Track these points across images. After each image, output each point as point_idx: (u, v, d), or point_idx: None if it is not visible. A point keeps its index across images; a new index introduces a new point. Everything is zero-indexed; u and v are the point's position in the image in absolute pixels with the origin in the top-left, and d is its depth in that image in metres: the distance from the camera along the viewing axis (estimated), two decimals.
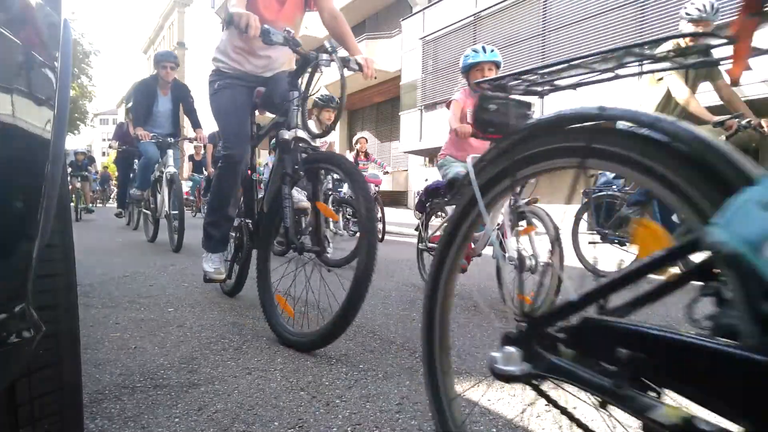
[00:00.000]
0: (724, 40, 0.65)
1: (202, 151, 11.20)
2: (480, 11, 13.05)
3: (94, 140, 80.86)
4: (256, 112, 2.74)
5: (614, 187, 4.27)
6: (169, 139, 5.46)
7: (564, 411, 0.82)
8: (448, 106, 3.14)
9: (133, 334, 2.05)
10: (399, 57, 16.60)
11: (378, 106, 19.78)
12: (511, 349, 0.79)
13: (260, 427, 1.27)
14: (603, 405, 0.70)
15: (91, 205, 12.10)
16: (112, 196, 24.27)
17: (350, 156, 9.44)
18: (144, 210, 6.26)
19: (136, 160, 6.66)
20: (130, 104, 6.80)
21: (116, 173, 10.28)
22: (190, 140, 5.89)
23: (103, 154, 74.11)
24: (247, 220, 2.71)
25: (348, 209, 6.72)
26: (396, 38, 17.24)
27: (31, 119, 0.70)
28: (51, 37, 0.80)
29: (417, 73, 15.27)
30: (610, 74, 0.77)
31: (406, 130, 15.65)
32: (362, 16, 20.67)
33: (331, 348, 1.94)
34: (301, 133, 2.15)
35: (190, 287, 3.11)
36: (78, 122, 29.62)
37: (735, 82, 0.67)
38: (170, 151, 5.42)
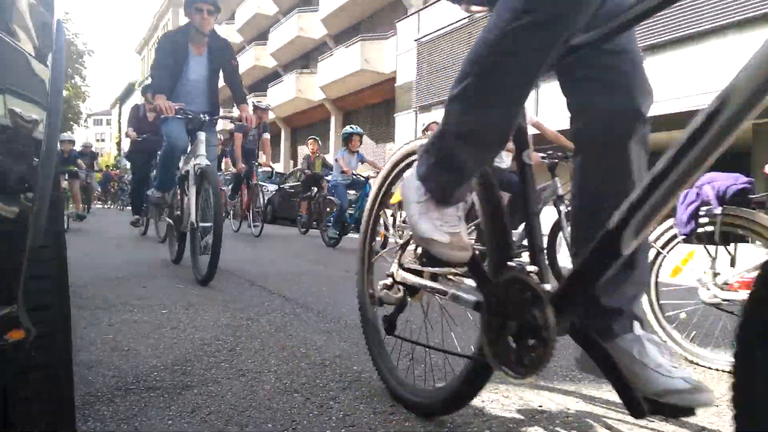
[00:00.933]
0: None
1: (222, 146, 8.90)
2: (475, 12, 13.09)
3: (87, 140, 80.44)
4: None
5: None
6: (202, 116, 3.78)
7: None
8: None
9: (126, 336, 2.04)
10: (394, 58, 16.62)
11: (372, 108, 19.80)
12: None
13: (254, 429, 1.26)
14: None
15: (83, 210, 9.74)
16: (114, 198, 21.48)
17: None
18: (168, 219, 4.52)
19: (160, 152, 4.63)
20: (148, 79, 5.43)
21: (111, 167, 9.33)
22: (233, 120, 4.30)
23: (98, 154, 73.55)
24: (530, 268, 1.10)
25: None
26: (391, 40, 17.26)
27: (23, 119, 0.70)
28: (44, 37, 0.80)
29: (412, 74, 15.30)
30: None
31: (401, 132, 15.67)
32: (357, 18, 20.69)
33: (324, 350, 1.94)
34: None
35: (184, 289, 3.10)
36: (71, 122, 29.57)
37: None
38: (202, 135, 3.70)
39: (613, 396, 1.55)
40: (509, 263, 1.15)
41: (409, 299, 1.42)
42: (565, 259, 2.01)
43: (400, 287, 1.42)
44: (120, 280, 3.33)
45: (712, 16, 8.44)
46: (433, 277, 1.33)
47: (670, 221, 2.04)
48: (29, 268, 0.71)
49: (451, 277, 1.30)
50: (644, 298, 1.46)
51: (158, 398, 1.43)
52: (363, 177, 6.84)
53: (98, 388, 1.49)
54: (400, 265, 1.42)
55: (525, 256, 1.20)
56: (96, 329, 2.13)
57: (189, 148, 3.89)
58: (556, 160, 4.05)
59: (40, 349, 0.83)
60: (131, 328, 2.16)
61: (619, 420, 1.39)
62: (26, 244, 0.69)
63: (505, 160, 4.54)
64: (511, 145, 1.18)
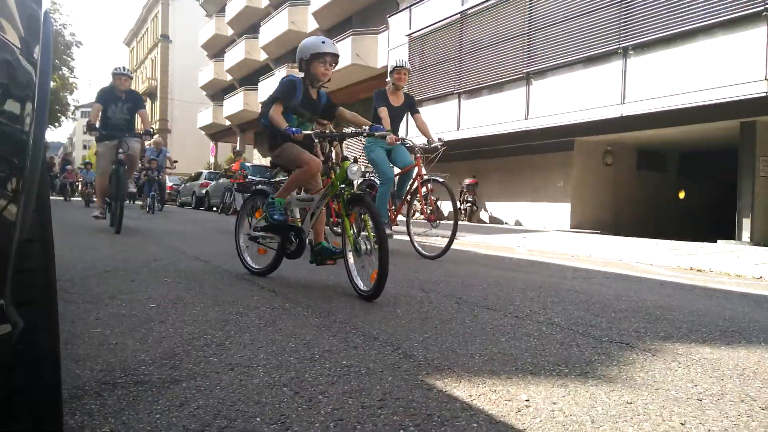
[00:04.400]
0: None
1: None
2: (466, 9, 13.09)
3: (76, 132, 79.39)
4: None
5: None
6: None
7: None
8: None
9: (114, 330, 2.03)
10: (385, 53, 16.59)
11: (364, 103, 19.72)
12: None
13: (242, 422, 1.27)
14: None
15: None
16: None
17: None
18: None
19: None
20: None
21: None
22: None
23: (84, 146, 72.52)
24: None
25: None
26: (382, 34, 17.22)
27: (10, 112, 0.69)
28: (31, 29, 0.79)
29: None
30: None
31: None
32: (349, 12, 20.60)
33: (313, 345, 1.95)
34: None
35: (173, 283, 3.09)
36: (59, 114, 29.19)
37: None
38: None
39: (599, 389, 1.57)
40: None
41: None
42: None
43: None
44: (108, 273, 3.31)
45: (701, 15, 8.50)
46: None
47: None
48: (16, 262, 0.70)
49: None
50: None
51: (146, 392, 1.43)
52: None
53: (86, 382, 1.48)
54: None
55: None
56: (84, 323, 2.12)
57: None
58: None
59: (27, 343, 0.83)
60: (119, 322, 2.15)
61: (603, 413, 1.41)
62: (13, 238, 0.69)
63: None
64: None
